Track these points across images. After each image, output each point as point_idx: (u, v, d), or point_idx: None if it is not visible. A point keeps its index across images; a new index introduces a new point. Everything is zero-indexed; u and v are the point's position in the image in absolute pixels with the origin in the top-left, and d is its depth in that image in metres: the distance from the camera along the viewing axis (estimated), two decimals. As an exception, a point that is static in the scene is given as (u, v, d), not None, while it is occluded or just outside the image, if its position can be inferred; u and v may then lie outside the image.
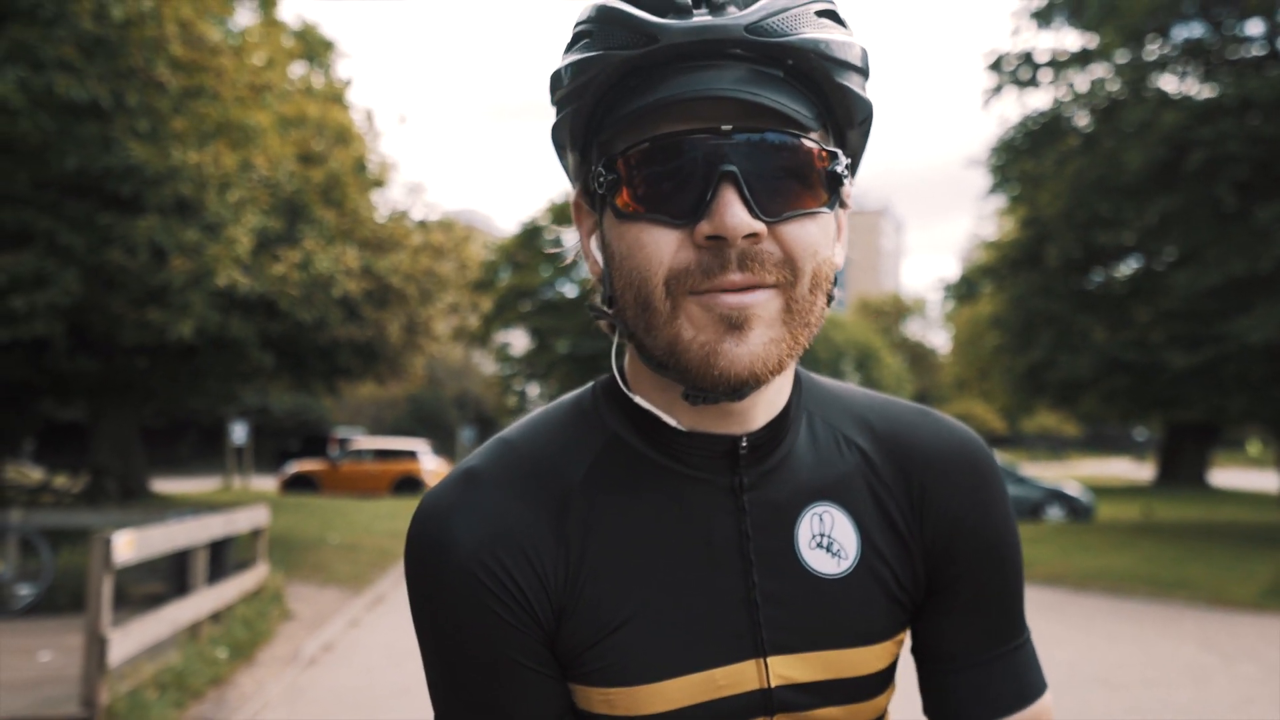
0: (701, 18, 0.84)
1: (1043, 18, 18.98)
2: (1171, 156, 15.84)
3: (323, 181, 15.60)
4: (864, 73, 0.91)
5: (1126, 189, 16.80)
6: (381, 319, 17.71)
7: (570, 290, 32.46)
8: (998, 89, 19.73)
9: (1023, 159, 19.68)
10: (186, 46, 11.63)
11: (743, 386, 0.88)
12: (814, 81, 0.88)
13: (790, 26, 0.85)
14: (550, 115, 0.95)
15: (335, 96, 18.88)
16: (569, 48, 0.92)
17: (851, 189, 0.95)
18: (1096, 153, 17.32)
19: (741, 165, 0.84)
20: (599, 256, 0.96)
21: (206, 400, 22.93)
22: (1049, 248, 18.77)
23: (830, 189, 0.89)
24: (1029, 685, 1.04)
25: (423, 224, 20.51)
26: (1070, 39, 26.53)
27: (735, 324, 0.85)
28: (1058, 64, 18.84)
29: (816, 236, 0.88)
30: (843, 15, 0.91)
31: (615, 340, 0.99)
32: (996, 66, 19.57)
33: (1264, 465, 47.28)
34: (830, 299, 0.92)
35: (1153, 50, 17.68)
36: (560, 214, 32.88)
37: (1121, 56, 17.74)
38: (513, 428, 1.03)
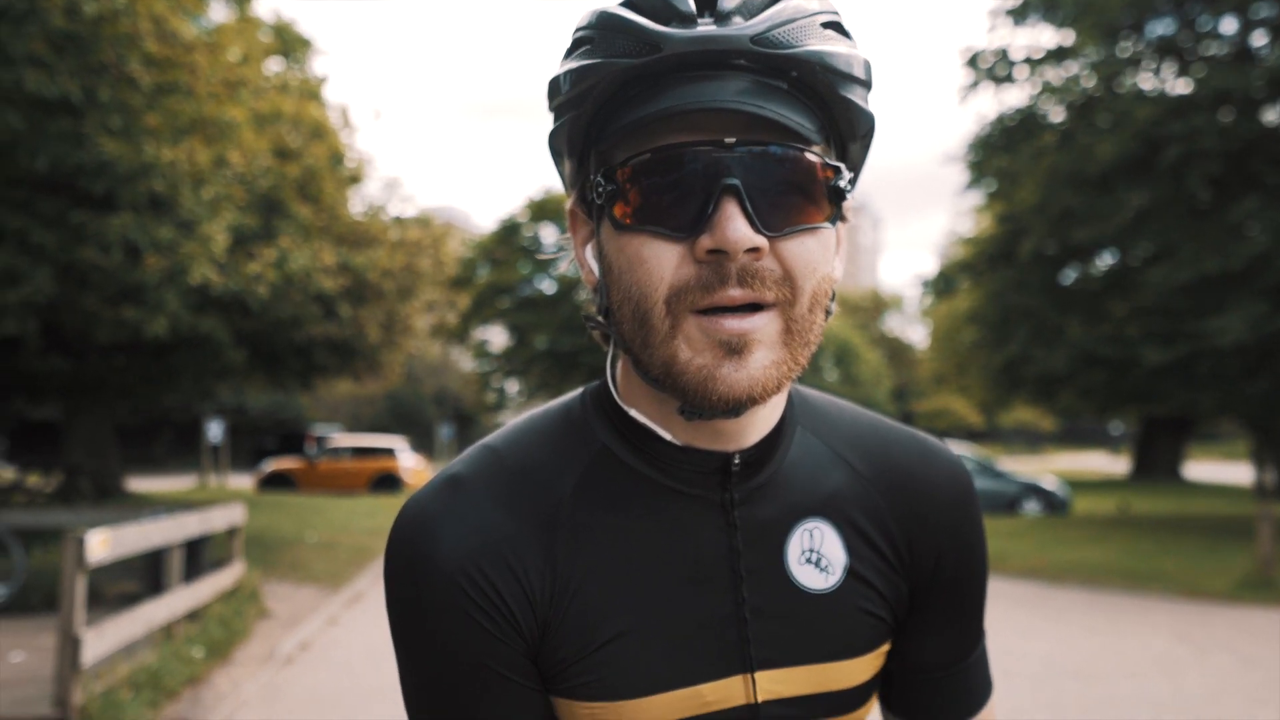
0: (706, 27, 0.82)
1: (1018, 15, 19.08)
2: (1145, 151, 15.95)
3: (298, 177, 15.50)
4: (867, 85, 0.90)
5: (1101, 184, 16.91)
6: (360, 317, 17.63)
7: (549, 286, 32.39)
8: (974, 85, 19.81)
9: (999, 155, 19.76)
10: (160, 42, 11.50)
11: (741, 408, 0.87)
12: (818, 94, 0.87)
13: (796, 38, 0.84)
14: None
15: (311, 93, 18.76)
16: (568, 54, 0.90)
17: (852, 202, 0.94)
18: (1072, 149, 17.42)
19: (744, 179, 0.83)
20: (594, 266, 0.94)
21: (182, 398, 22.81)
22: (1024, 243, 18.88)
23: (832, 204, 0.88)
24: (987, 682, 1.12)
25: (399, 220, 20.43)
26: (1046, 36, 26.65)
27: (735, 349, 0.84)
28: (1033, 61, 18.94)
29: (816, 253, 0.87)
30: (847, 28, 0.90)
31: (610, 351, 0.97)
32: (973, 63, 19.66)
33: (1236, 458, 47.75)
34: (828, 314, 0.91)
35: (1126, 47, 17.80)
36: (538, 211, 32.83)
37: (1096, 53, 17.85)
38: (498, 434, 1.01)
